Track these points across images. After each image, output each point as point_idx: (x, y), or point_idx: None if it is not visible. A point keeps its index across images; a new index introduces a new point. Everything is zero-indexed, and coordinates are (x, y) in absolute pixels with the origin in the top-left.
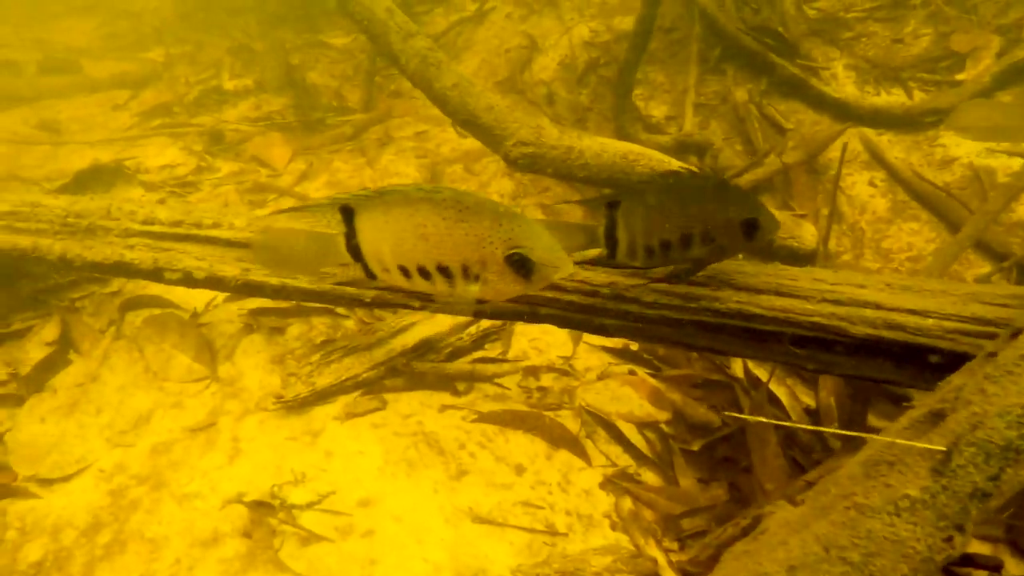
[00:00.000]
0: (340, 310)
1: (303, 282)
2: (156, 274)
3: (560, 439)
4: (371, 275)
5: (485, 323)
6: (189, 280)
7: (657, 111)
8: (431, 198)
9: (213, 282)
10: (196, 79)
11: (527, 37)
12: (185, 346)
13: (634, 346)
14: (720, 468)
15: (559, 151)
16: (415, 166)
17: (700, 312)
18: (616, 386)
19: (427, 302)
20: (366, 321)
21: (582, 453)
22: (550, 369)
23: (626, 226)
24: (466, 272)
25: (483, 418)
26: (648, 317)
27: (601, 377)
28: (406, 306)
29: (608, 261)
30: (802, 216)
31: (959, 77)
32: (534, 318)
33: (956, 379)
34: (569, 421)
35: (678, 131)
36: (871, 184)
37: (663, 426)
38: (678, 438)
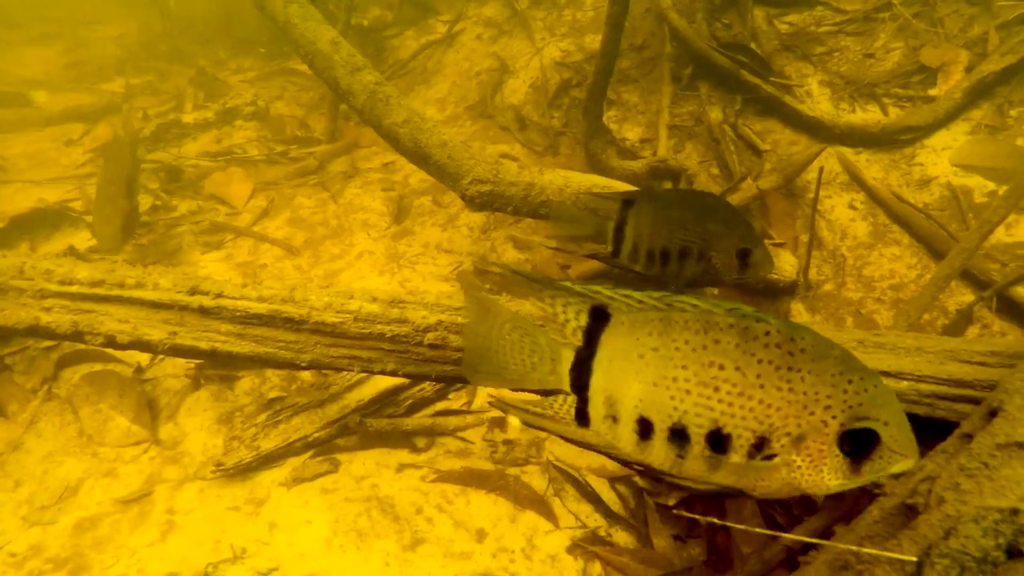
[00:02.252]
0: None
1: (235, 346)
2: (76, 337)
3: (525, 500)
4: (583, 418)
5: None
6: (113, 344)
7: (631, 133)
8: (747, 327)
9: (139, 346)
10: (156, 111)
11: (497, 59)
12: (124, 406)
13: None
14: (697, 523)
15: (518, 188)
16: (381, 199)
17: None
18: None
19: (418, 378)
20: (323, 372)
21: (549, 514)
22: None
23: (634, 226)
24: (758, 447)
25: (442, 478)
26: None
27: None
28: (346, 369)
29: (611, 259)
30: (780, 245)
31: (932, 92)
32: None
33: (929, 464)
34: (536, 477)
35: (652, 155)
36: (851, 207)
37: (637, 479)
38: (653, 492)
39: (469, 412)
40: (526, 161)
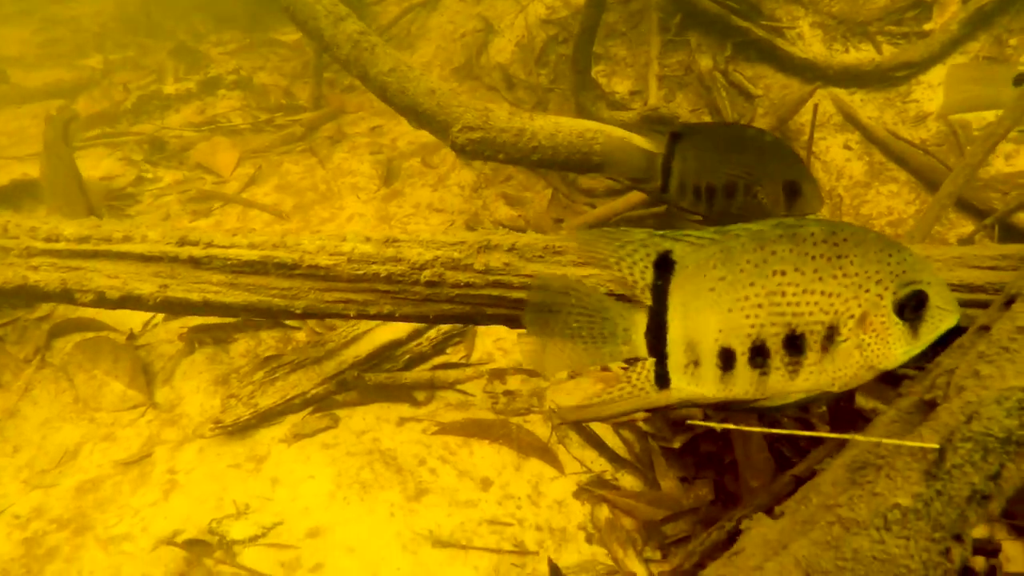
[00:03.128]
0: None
1: (228, 296)
2: (66, 296)
3: (529, 447)
4: (664, 378)
5: (446, 325)
6: (103, 301)
7: (620, 87)
8: (795, 233)
9: (130, 301)
10: (136, 85)
11: (482, 20)
12: (119, 371)
13: None
14: (704, 464)
15: (509, 134)
16: (369, 163)
17: None
18: (588, 384)
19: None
20: (318, 331)
21: (553, 461)
22: (517, 370)
23: (682, 160)
24: (830, 339)
25: (444, 429)
26: None
27: (572, 375)
28: (341, 316)
29: (661, 195)
30: None
31: (927, 27)
32: (482, 319)
33: (946, 360)
34: (539, 426)
35: (643, 106)
36: (846, 147)
37: (641, 424)
38: (658, 436)
39: (468, 365)
40: None
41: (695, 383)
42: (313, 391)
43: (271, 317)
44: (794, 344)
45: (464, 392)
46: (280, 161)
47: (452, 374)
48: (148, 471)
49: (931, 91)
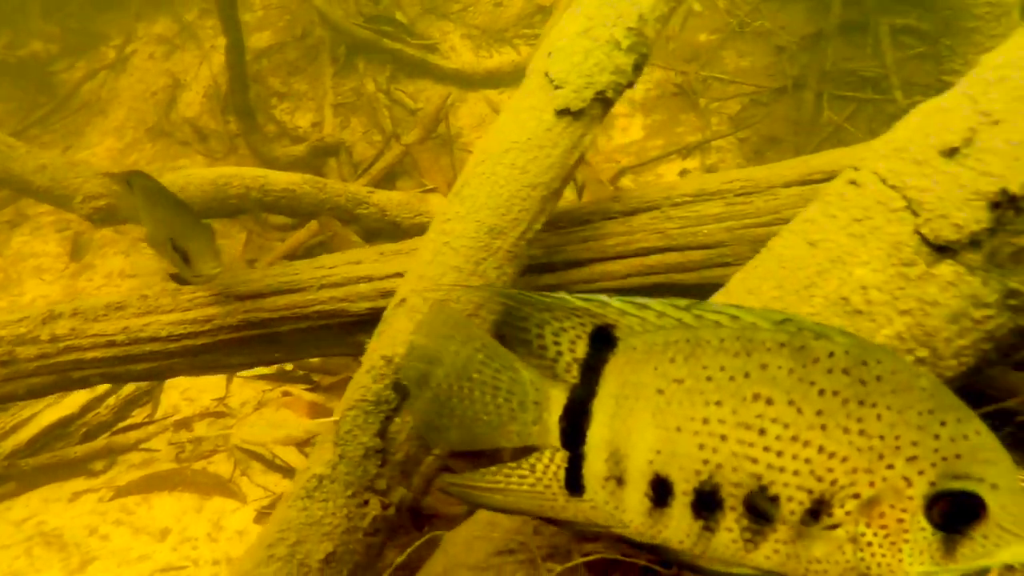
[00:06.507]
0: None
1: None
2: None
3: (208, 487)
4: (576, 485)
5: (128, 388)
6: None
7: (303, 120)
8: (806, 348)
9: None
10: None
11: (170, 75)
12: None
13: (288, 366)
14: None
15: None
16: (55, 241)
17: (218, 332)
18: (271, 413)
19: None
20: None
21: (234, 494)
22: (204, 415)
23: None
24: (815, 516)
25: (119, 492)
26: (173, 352)
27: (257, 408)
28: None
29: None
30: (432, 190)
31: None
32: (71, 384)
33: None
34: (223, 465)
35: (317, 136)
36: None
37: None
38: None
39: (151, 422)
40: None
41: (614, 504)
42: None
43: None
44: (761, 506)
45: (148, 449)
46: None
47: (133, 436)
48: None
49: None
